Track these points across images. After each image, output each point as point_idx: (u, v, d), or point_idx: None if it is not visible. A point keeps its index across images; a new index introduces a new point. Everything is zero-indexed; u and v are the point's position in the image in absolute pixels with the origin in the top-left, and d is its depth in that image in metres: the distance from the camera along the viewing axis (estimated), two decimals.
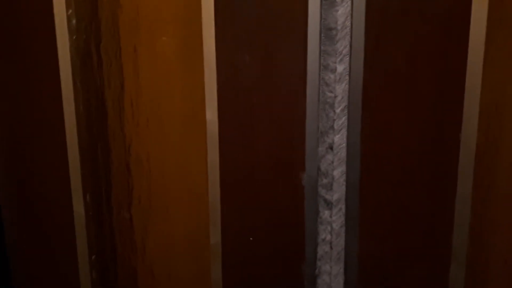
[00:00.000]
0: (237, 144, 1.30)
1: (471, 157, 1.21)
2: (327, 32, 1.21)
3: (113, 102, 1.33)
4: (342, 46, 1.21)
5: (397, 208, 1.30)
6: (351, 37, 1.21)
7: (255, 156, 1.31)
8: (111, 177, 1.39)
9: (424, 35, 1.19)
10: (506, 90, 1.19)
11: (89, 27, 1.28)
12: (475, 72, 1.16)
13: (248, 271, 1.38)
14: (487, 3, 1.13)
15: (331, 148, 1.28)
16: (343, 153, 1.28)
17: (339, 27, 1.20)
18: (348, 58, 1.22)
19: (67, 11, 1.24)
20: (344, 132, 1.27)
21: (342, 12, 1.19)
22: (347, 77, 1.23)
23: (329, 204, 1.32)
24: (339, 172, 1.30)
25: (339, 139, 1.28)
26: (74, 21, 1.25)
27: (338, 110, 1.25)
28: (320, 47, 1.22)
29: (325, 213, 1.33)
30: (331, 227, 1.33)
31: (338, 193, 1.31)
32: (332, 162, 1.29)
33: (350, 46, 1.21)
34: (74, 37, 1.26)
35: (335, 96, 1.25)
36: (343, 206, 1.32)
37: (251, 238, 1.36)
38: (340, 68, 1.23)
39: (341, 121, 1.26)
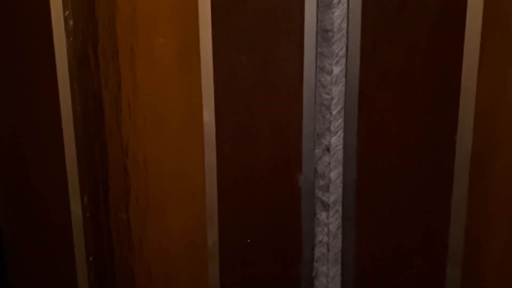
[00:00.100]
0: (234, 145, 1.30)
1: (466, 158, 1.22)
2: (324, 34, 1.21)
3: (110, 103, 1.33)
4: (339, 48, 1.22)
5: (394, 209, 1.30)
6: (347, 39, 1.21)
7: (252, 157, 1.31)
8: (108, 178, 1.39)
9: (420, 37, 1.19)
10: (502, 91, 1.19)
11: (86, 28, 1.28)
12: (471, 73, 1.17)
13: (245, 272, 1.38)
14: (482, 5, 1.13)
15: (328, 149, 1.28)
16: (339, 155, 1.29)
17: (335, 29, 1.21)
18: (344, 60, 1.22)
19: (64, 12, 1.24)
20: (340, 133, 1.27)
21: (338, 14, 1.20)
22: (343, 79, 1.23)
23: (326, 206, 1.32)
24: (335, 174, 1.30)
25: (336, 140, 1.28)
26: (71, 23, 1.25)
27: (334, 112, 1.26)
28: (316, 49, 1.22)
29: (322, 215, 1.33)
30: (328, 228, 1.33)
31: (334, 195, 1.31)
32: (329, 163, 1.29)
33: (347, 48, 1.21)
34: (71, 38, 1.26)
35: (332, 98, 1.25)
36: (340, 208, 1.32)
37: (248, 239, 1.36)
38: (336, 70, 1.23)
39: (338, 123, 1.26)
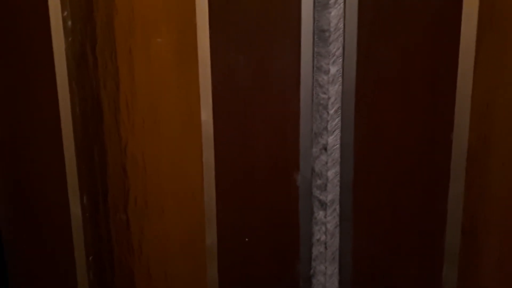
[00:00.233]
0: (232, 145, 1.31)
1: (463, 157, 1.22)
2: (320, 34, 1.22)
3: (109, 103, 1.33)
4: (335, 47, 1.22)
5: (391, 208, 1.30)
6: (344, 39, 1.21)
7: (250, 157, 1.31)
8: (107, 178, 1.39)
9: (416, 36, 1.19)
10: (497, 90, 1.20)
11: (84, 29, 1.28)
12: (466, 73, 1.17)
13: (244, 271, 1.39)
14: (477, 6, 1.14)
15: (325, 149, 1.29)
16: (337, 154, 1.29)
17: (332, 29, 1.21)
18: (341, 60, 1.22)
19: (62, 13, 1.24)
20: (337, 133, 1.27)
21: (335, 14, 1.20)
22: (340, 79, 1.24)
23: (323, 205, 1.32)
24: (333, 173, 1.30)
25: (333, 140, 1.28)
26: (69, 23, 1.26)
27: (331, 112, 1.26)
28: (313, 49, 1.23)
29: (319, 214, 1.33)
30: (326, 227, 1.34)
31: (332, 194, 1.32)
32: (326, 163, 1.29)
33: (343, 48, 1.22)
34: (69, 39, 1.26)
35: (329, 98, 1.25)
36: (337, 207, 1.32)
37: (246, 239, 1.36)
38: (333, 69, 1.23)
39: (335, 122, 1.27)
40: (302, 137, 1.28)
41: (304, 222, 1.34)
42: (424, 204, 1.29)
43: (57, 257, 1.47)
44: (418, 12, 1.18)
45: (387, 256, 1.33)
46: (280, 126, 1.29)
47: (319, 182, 1.31)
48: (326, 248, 1.35)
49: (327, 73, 1.24)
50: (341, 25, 1.20)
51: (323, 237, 1.34)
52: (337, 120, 1.26)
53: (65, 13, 1.25)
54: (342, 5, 1.19)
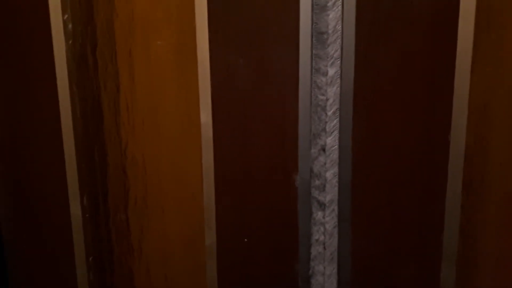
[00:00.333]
0: (231, 146, 1.31)
1: (460, 157, 1.22)
2: (319, 36, 1.22)
3: (109, 105, 1.33)
4: (333, 49, 1.22)
5: (389, 208, 1.30)
6: (342, 41, 1.21)
7: (249, 158, 1.32)
8: (108, 179, 1.40)
9: (414, 38, 1.20)
10: (494, 91, 1.20)
11: (85, 31, 1.29)
12: (464, 74, 1.18)
13: (243, 271, 1.39)
14: (475, 8, 1.14)
15: (324, 150, 1.29)
16: (335, 155, 1.29)
17: (330, 31, 1.21)
18: (339, 62, 1.23)
19: (63, 15, 1.25)
20: (336, 134, 1.27)
21: (333, 16, 1.20)
22: (338, 80, 1.24)
23: (322, 205, 1.33)
24: (331, 174, 1.31)
25: (331, 141, 1.28)
26: (70, 26, 1.26)
27: (330, 113, 1.26)
28: (311, 51, 1.23)
29: (318, 214, 1.33)
30: (324, 228, 1.34)
31: (330, 194, 1.32)
32: (325, 163, 1.30)
33: (341, 50, 1.22)
34: (70, 41, 1.27)
35: (327, 99, 1.25)
36: (336, 207, 1.32)
37: (245, 239, 1.36)
38: (331, 71, 1.24)
39: (333, 124, 1.27)
40: (300, 138, 1.28)
41: (303, 222, 1.34)
42: (422, 204, 1.29)
43: (57, 258, 1.47)
44: (415, 14, 1.18)
45: (385, 256, 1.33)
46: (279, 127, 1.29)
47: (317, 182, 1.31)
48: (324, 248, 1.35)
49: (325, 75, 1.24)
50: (339, 28, 1.21)
51: (321, 238, 1.35)
52: (335, 121, 1.27)
53: (66, 16, 1.25)
54: (340, 7, 1.19)
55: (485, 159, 1.24)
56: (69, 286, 1.45)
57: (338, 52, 1.22)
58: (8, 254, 1.53)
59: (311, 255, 1.36)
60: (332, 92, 1.25)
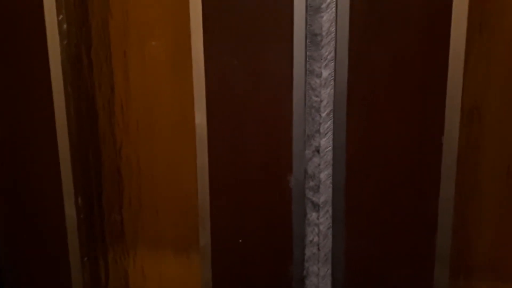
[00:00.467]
0: (226, 147, 1.31)
1: (453, 159, 1.22)
2: (313, 38, 1.22)
3: (104, 106, 1.34)
4: (327, 51, 1.23)
5: (383, 209, 1.30)
6: (335, 42, 1.22)
7: (243, 159, 1.32)
8: (102, 180, 1.40)
9: (407, 40, 1.20)
10: (487, 93, 1.21)
11: (79, 32, 1.29)
12: (456, 76, 1.18)
13: (237, 272, 1.39)
14: (467, 11, 1.15)
15: (318, 151, 1.29)
16: (329, 156, 1.29)
17: (324, 33, 1.22)
18: (333, 63, 1.23)
19: (58, 16, 1.25)
20: (330, 135, 1.28)
21: (327, 18, 1.21)
22: (332, 82, 1.24)
23: (316, 206, 1.33)
24: (325, 175, 1.31)
25: (325, 142, 1.28)
26: (65, 26, 1.26)
27: (324, 114, 1.26)
28: (305, 53, 1.23)
29: (312, 215, 1.34)
30: (318, 228, 1.34)
31: (325, 195, 1.32)
32: (319, 165, 1.30)
33: (335, 52, 1.22)
34: (65, 42, 1.27)
35: (321, 101, 1.26)
36: (330, 208, 1.33)
37: (240, 240, 1.36)
38: (325, 73, 1.24)
39: (327, 125, 1.27)
40: (295, 140, 1.29)
41: (297, 223, 1.34)
42: (416, 205, 1.29)
43: (52, 258, 1.47)
44: (409, 17, 1.19)
45: (379, 257, 1.33)
46: (273, 128, 1.29)
47: (311, 184, 1.32)
48: (319, 249, 1.35)
49: (319, 77, 1.24)
50: (333, 29, 1.21)
51: (316, 239, 1.35)
52: (329, 122, 1.27)
53: (61, 17, 1.25)
54: (334, 9, 1.20)
55: (478, 161, 1.25)
56: (63, 285, 1.45)
57: (332, 54, 1.23)
58: (3, 254, 1.52)
59: (305, 256, 1.36)
60: (326, 94, 1.25)
